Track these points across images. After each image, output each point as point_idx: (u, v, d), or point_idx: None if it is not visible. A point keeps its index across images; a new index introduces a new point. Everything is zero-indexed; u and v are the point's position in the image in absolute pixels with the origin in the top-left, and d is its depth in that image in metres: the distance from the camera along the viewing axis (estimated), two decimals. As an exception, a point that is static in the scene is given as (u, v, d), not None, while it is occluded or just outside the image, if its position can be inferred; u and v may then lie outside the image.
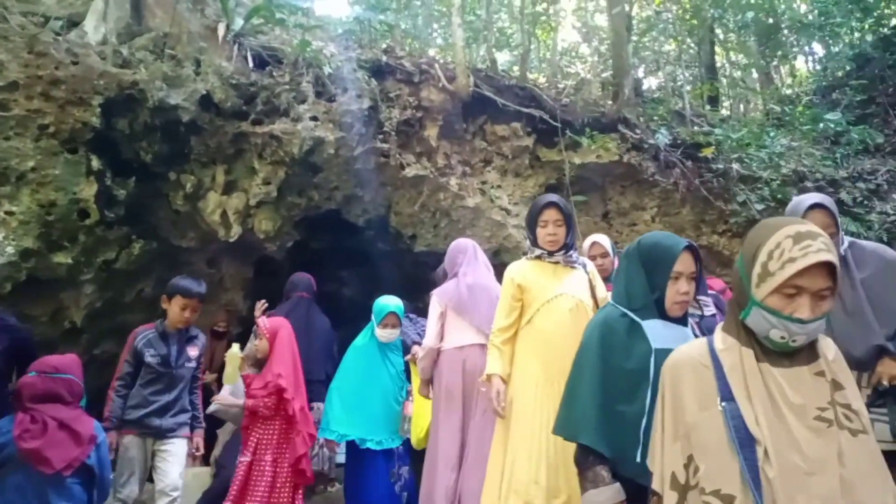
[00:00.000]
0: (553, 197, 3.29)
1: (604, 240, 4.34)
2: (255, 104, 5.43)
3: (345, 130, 5.60)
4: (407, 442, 4.43)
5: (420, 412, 4.41)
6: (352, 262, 7.47)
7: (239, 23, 5.63)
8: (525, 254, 3.47)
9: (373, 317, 4.59)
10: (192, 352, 4.21)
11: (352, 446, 4.39)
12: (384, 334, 4.50)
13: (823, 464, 1.42)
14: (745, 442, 1.44)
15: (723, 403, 1.51)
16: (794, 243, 1.49)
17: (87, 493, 3.04)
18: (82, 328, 5.26)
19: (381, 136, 5.87)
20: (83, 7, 5.39)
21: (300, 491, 4.06)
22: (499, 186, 6.68)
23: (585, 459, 2.10)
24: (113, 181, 4.93)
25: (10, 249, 4.55)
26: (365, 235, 6.75)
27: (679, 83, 10.31)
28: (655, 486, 1.65)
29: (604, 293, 3.30)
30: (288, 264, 6.72)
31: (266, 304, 5.15)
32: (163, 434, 4.01)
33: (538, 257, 3.30)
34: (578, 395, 2.19)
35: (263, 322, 4.27)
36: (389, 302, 4.57)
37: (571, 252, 3.30)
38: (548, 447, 2.93)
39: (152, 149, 5.10)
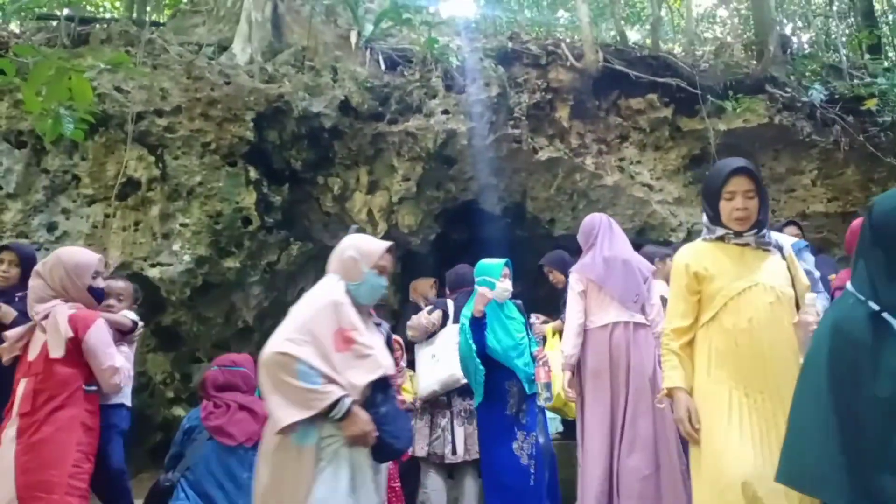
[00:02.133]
0: (741, 161, 2.62)
1: None
2: (389, 104, 5.64)
3: (475, 120, 5.67)
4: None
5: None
6: (490, 253, 7.53)
7: (369, 29, 5.89)
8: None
9: (482, 279, 4.16)
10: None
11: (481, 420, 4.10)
12: (506, 288, 4.09)
13: None
14: None
15: None
16: None
17: None
18: (253, 327, 5.72)
19: (511, 122, 5.88)
20: (230, 32, 5.90)
21: None
22: (638, 162, 6.48)
23: None
24: (269, 189, 5.33)
25: (186, 258, 5.07)
26: (502, 224, 6.79)
27: (832, 36, 9.46)
28: None
29: (805, 283, 2.69)
30: (431, 258, 6.92)
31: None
32: None
33: (720, 238, 2.61)
34: (807, 431, 1.70)
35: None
36: (496, 260, 4.20)
37: (764, 232, 2.60)
38: (749, 477, 2.27)
39: (300, 156, 5.45)
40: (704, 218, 2.69)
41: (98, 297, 3.30)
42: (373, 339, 2.54)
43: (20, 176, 4.90)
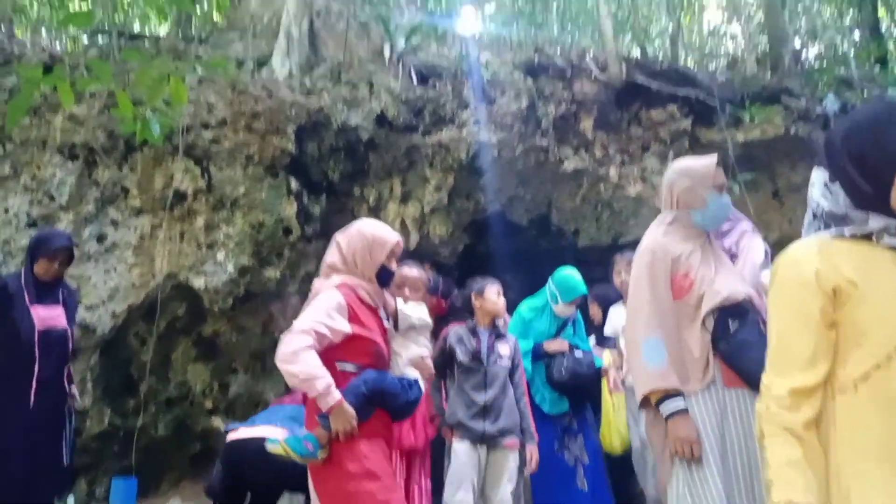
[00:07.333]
0: None
1: None
2: (423, 116, 5.82)
3: (505, 131, 5.84)
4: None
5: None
6: (515, 265, 7.67)
7: (401, 44, 6.09)
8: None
9: (554, 289, 4.36)
10: (503, 349, 3.76)
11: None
12: (567, 311, 4.35)
13: None
14: None
15: None
16: None
17: None
18: (289, 337, 5.83)
19: (539, 133, 6.05)
20: (267, 48, 6.08)
21: None
22: (660, 172, 6.64)
23: None
24: (308, 200, 5.48)
25: (230, 267, 5.21)
26: (527, 235, 6.94)
27: (840, 51, 9.71)
28: None
29: None
30: (457, 270, 7.05)
31: None
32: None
33: (867, 236, 1.41)
34: None
35: None
36: (581, 283, 4.31)
37: None
38: None
39: (337, 167, 5.62)
40: (842, 199, 1.46)
41: (384, 280, 2.87)
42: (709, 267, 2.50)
43: (72, 188, 5.04)
